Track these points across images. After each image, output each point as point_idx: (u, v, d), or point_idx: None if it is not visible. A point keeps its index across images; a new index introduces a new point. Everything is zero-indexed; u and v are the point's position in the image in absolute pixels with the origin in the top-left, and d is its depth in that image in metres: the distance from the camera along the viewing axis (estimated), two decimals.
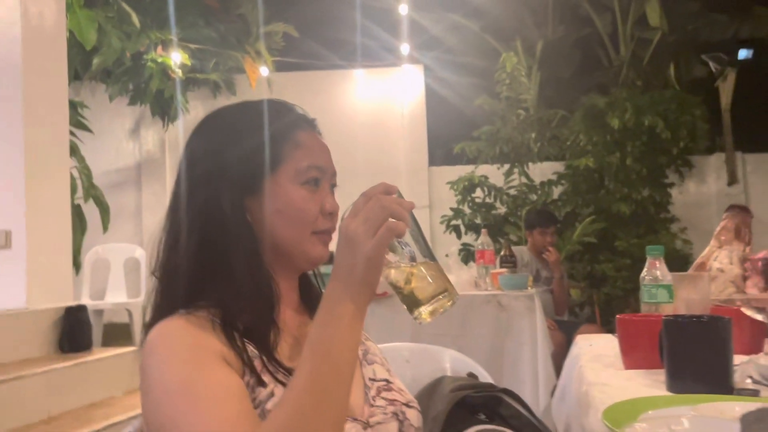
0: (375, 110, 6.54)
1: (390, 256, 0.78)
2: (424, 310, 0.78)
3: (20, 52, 3.27)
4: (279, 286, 0.90)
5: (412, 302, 0.78)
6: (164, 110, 5.52)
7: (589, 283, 5.31)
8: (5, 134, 3.28)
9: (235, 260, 0.87)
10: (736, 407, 0.65)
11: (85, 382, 3.04)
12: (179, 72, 5.28)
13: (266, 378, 0.82)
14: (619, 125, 5.32)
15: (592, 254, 5.35)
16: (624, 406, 0.80)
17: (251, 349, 0.83)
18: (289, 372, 0.84)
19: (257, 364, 0.83)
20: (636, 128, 5.35)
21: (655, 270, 1.32)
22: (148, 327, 0.85)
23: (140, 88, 5.41)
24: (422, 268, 0.79)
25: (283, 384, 0.82)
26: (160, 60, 5.21)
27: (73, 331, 3.28)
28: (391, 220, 0.76)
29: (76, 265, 4.28)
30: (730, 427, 0.54)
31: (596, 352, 1.31)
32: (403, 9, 5.62)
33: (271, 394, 0.81)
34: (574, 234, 5.20)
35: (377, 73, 6.57)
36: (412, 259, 0.79)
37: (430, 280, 0.78)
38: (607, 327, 4.46)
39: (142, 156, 6.43)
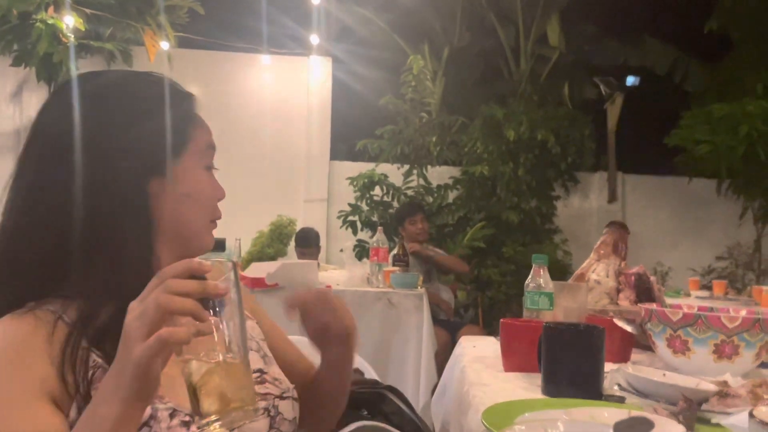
0: (280, 98, 6.44)
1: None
2: (217, 422, 0.64)
3: None
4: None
5: (204, 405, 0.65)
6: (51, 75, 5.16)
7: (475, 286, 5.49)
8: None
9: (123, 247, 0.79)
10: (605, 413, 0.69)
11: None
12: (71, 37, 4.96)
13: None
14: (514, 137, 5.54)
15: (480, 259, 5.54)
16: (502, 407, 0.83)
17: (94, 358, 0.75)
18: None
19: (98, 374, 0.74)
20: (529, 141, 5.59)
21: (539, 278, 1.38)
22: None
23: (26, 49, 5.03)
24: (219, 369, 0.65)
25: None
26: (50, 21, 4.87)
27: None
28: (179, 324, 0.62)
29: None
30: (602, 431, 0.57)
31: (479, 353, 1.35)
32: None
33: None
34: (465, 238, 5.37)
35: (284, 61, 6.47)
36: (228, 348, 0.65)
37: (227, 386, 0.65)
38: (489, 329, 4.64)
39: (23, 122, 5.99)
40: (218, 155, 0.92)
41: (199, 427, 0.64)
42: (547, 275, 1.39)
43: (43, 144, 0.82)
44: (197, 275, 0.65)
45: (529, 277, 1.40)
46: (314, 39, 6.16)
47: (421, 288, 3.31)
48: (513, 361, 1.17)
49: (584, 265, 1.61)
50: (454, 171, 6.08)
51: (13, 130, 6.00)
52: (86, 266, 0.78)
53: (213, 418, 0.64)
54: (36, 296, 0.77)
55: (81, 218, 0.79)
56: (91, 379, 0.74)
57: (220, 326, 0.65)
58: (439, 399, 1.48)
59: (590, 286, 1.54)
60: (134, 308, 0.64)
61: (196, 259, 0.65)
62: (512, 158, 5.69)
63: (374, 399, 1.36)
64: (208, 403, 0.64)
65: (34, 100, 5.95)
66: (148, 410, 0.74)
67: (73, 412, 0.73)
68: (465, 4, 6.81)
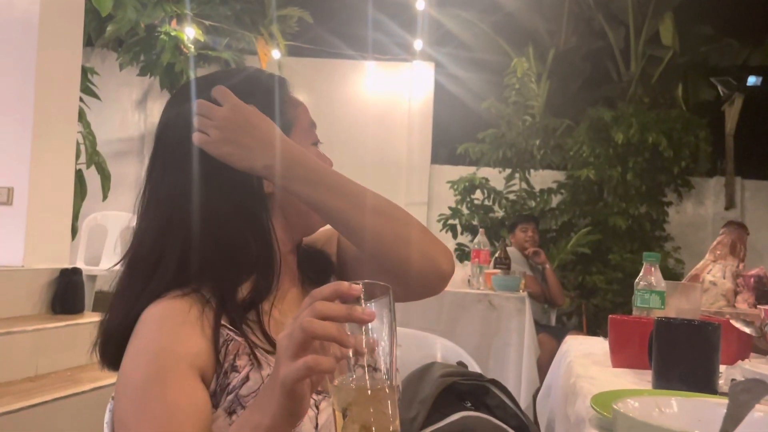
0: (383, 103, 6.56)
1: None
2: None
3: (38, 12, 3.28)
4: (282, 256, 0.89)
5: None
6: (173, 84, 5.52)
7: (579, 293, 5.35)
8: (17, 92, 3.29)
9: (249, 232, 0.86)
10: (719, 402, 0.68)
11: (74, 344, 3.06)
12: (191, 47, 5.29)
13: (242, 362, 0.80)
14: (623, 140, 5.35)
15: (585, 265, 5.39)
16: (611, 394, 0.83)
17: (230, 334, 0.81)
18: (271, 350, 0.82)
19: (240, 348, 0.81)
20: (639, 144, 5.38)
21: (649, 276, 1.35)
22: (129, 313, 0.82)
23: (151, 60, 5.42)
24: (368, 397, 0.64)
25: (259, 362, 0.80)
26: (173, 33, 5.21)
27: (66, 293, 3.30)
28: (328, 348, 0.64)
29: (74, 229, 4.29)
30: (717, 408, 0.57)
31: (586, 350, 1.34)
32: (419, 4, 5.64)
33: (246, 378, 0.79)
34: (569, 243, 5.24)
35: (388, 67, 6.59)
36: (370, 376, 0.64)
37: (373, 415, 0.63)
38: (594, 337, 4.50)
39: (147, 128, 6.44)
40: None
41: None
42: (659, 274, 1.36)
43: (164, 149, 0.90)
44: (347, 298, 0.65)
45: (640, 275, 1.37)
46: (418, 44, 6.23)
47: (523, 291, 3.28)
48: (622, 357, 1.15)
49: (699, 265, 1.56)
50: (558, 175, 5.96)
51: (139, 135, 6.45)
52: (217, 255, 0.85)
53: None
54: (177, 285, 0.84)
55: (207, 212, 0.85)
56: (227, 354, 0.80)
57: (373, 349, 0.64)
58: (544, 398, 1.48)
59: (705, 287, 1.48)
60: (288, 324, 0.66)
61: (346, 283, 0.65)
62: (620, 162, 5.50)
63: (478, 391, 1.38)
64: (350, 430, 0.63)
65: (157, 107, 6.38)
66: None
67: (213, 385, 0.79)
68: (572, 5, 6.67)
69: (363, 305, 0.65)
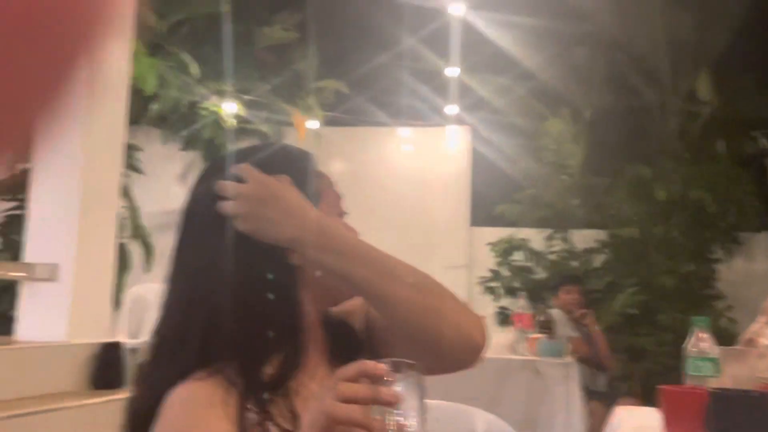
0: (419, 168, 6.60)
1: None
2: None
3: (84, 91, 3.43)
4: (308, 328, 0.87)
5: None
6: (215, 157, 5.67)
7: (628, 356, 5.15)
8: (63, 171, 3.41)
9: (276, 305, 0.84)
10: None
11: (114, 419, 3.05)
12: (233, 122, 5.46)
13: None
14: (665, 196, 5.25)
15: (633, 327, 5.20)
16: None
17: (257, 418, 0.78)
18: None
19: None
20: (682, 200, 5.27)
21: (701, 342, 1.28)
22: (156, 392, 0.80)
23: (193, 135, 5.60)
24: None
25: None
26: (213, 109, 5.40)
27: (107, 367, 3.31)
28: None
29: (117, 302, 4.36)
30: None
31: (637, 423, 1.26)
32: (452, 71, 5.73)
33: None
34: (615, 305, 5.09)
35: (423, 132, 6.66)
36: None
37: None
38: (647, 402, 4.30)
39: None
40: (360, 224, 0.97)
41: None
42: (711, 339, 1.29)
43: (191, 224, 0.90)
44: (374, 378, 0.62)
45: (690, 341, 1.30)
46: (451, 109, 6.31)
47: (569, 357, 3.17)
48: (676, 430, 1.08)
49: (753, 328, 1.47)
50: (600, 234, 5.84)
51: (181, 208, 6.60)
52: (243, 330, 0.83)
53: None
54: (202, 362, 0.81)
55: (233, 286, 0.84)
56: None
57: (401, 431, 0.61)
58: None
59: (762, 353, 1.40)
60: (311, 408, 0.64)
61: (371, 363, 0.63)
62: (664, 219, 5.38)
63: None
64: None
65: None
66: None
67: None
68: (606, 65, 6.69)
69: (389, 384, 0.62)
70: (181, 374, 0.81)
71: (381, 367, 0.63)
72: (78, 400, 2.94)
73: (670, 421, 1.10)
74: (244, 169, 0.88)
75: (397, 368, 0.63)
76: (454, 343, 0.84)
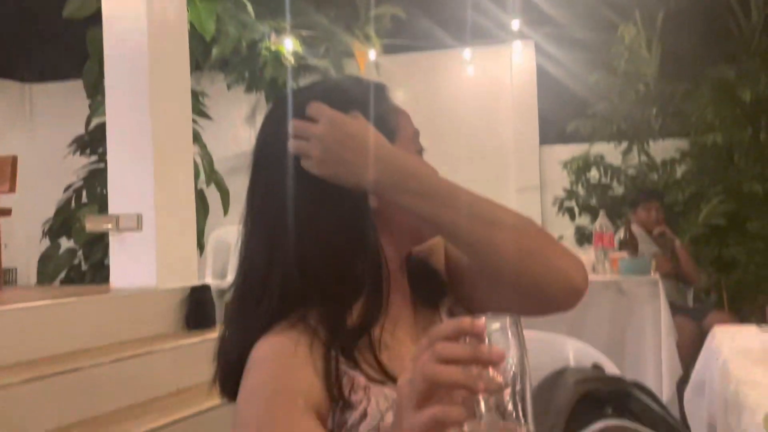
0: (484, 89, 6.42)
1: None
2: None
3: (146, 43, 3.45)
4: (390, 273, 0.83)
5: None
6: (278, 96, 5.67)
7: (716, 268, 4.97)
8: (135, 124, 3.49)
9: (357, 251, 0.81)
10: None
11: (210, 358, 3.21)
12: (291, 59, 5.41)
13: (357, 396, 0.76)
14: (751, 97, 4.91)
15: (720, 238, 5.00)
16: None
17: (343, 368, 0.77)
18: (386, 380, 0.78)
19: (354, 382, 0.77)
20: None
21: None
22: (242, 344, 0.80)
23: (255, 76, 5.60)
24: None
25: (375, 395, 0.76)
26: (273, 48, 5.35)
27: (198, 309, 3.47)
28: (448, 403, 0.58)
29: (200, 246, 4.52)
30: None
31: (740, 345, 1.20)
32: None
33: (364, 415, 0.75)
34: (700, 216, 4.88)
35: (486, 52, 6.43)
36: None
37: None
38: (738, 315, 4.17)
39: None
40: (426, 154, 0.92)
41: None
42: None
43: (264, 169, 0.86)
44: (473, 335, 0.59)
45: None
46: (515, 24, 6.03)
47: (654, 273, 3.08)
48: None
49: None
50: (681, 144, 5.56)
51: (250, 151, 6.70)
52: (324, 277, 0.81)
53: None
54: (284, 311, 0.81)
55: (312, 233, 0.81)
56: (341, 390, 0.76)
57: (503, 388, 0.58)
58: (695, 397, 1.35)
59: None
60: (408, 369, 0.61)
61: (468, 319, 0.59)
62: (751, 122, 5.05)
63: (619, 396, 1.28)
64: None
65: None
66: None
67: (329, 423, 0.76)
68: None
69: (488, 341, 0.59)
70: (265, 321, 0.80)
71: (479, 323, 0.59)
72: (173, 342, 3.10)
73: None
74: (316, 107, 0.83)
75: (494, 320, 0.59)
76: (552, 288, 0.80)
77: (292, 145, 0.82)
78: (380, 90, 0.91)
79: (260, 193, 0.86)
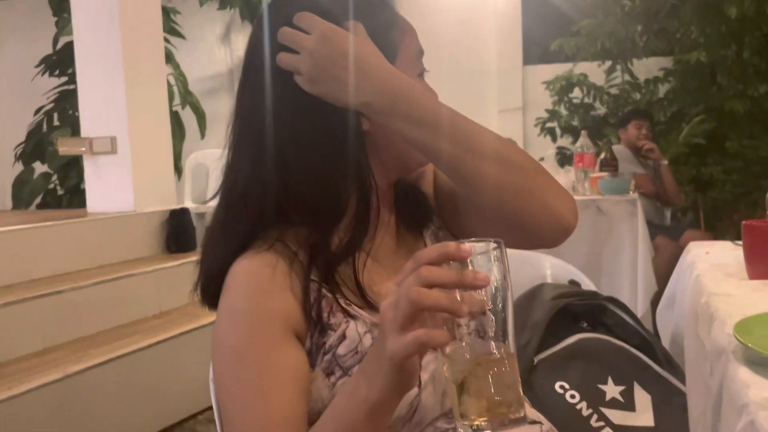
0: (466, 9, 6.23)
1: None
2: (474, 426, 0.58)
3: None
4: (378, 197, 0.81)
5: (465, 408, 0.59)
6: (253, 14, 5.47)
7: (694, 187, 5.02)
8: (104, 44, 3.36)
9: (344, 172, 0.78)
10: None
11: (191, 280, 3.22)
12: None
13: (336, 319, 0.76)
14: (736, 14, 4.82)
15: (700, 157, 5.02)
16: (756, 320, 0.73)
17: (322, 290, 0.76)
18: (366, 305, 0.77)
19: (333, 304, 0.76)
20: (756, 17, 4.83)
21: None
22: (222, 258, 0.79)
23: None
24: (485, 367, 0.58)
25: (354, 318, 0.76)
26: None
27: (178, 232, 3.46)
28: (439, 319, 0.58)
29: (178, 170, 4.45)
30: None
31: (714, 260, 1.21)
32: None
33: (342, 337, 0.75)
34: (681, 135, 4.89)
35: None
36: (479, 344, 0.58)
37: (493, 387, 0.58)
38: (714, 233, 4.24)
39: (234, 62, 6.47)
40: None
41: (461, 430, 0.59)
42: None
43: (253, 81, 0.82)
44: (457, 260, 0.58)
45: None
46: None
47: (633, 193, 3.09)
48: (760, 268, 1.03)
49: None
50: (665, 62, 5.50)
51: (227, 70, 6.51)
52: (309, 196, 0.78)
53: (477, 423, 0.58)
54: (265, 228, 0.79)
55: (299, 149, 0.78)
56: (320, 312, 0.76)
57: (487, 312, 0.58)
58: (667, 310, 1.38)
59: None
60: (391, 292, 0.60)
61: (453, 244, 0.59)
62: (735, 40, 4.98)
63: (594, 311, 1.30)
64: (469, 406, 0.59)
65: (241, 39, 6.38)
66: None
67: (307, 344, 0.75)
68: None
69: (472, 266, 0.58)
70: (245, 237, 0.79)
71: (465, 248, 0.58)
72: (154, 265, 3.10)
73: (754, 259, 1.05)
74: (307, 19, 0.77)
75: (479, 245, 0.59)
76: (542, 223, 0.78)
77: (281, 58, 0.77)
78: (384, 3, 0.84)
79: (248, 103, 0.82)
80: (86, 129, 3.45)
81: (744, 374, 0.64)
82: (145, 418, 2.52)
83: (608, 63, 5.27)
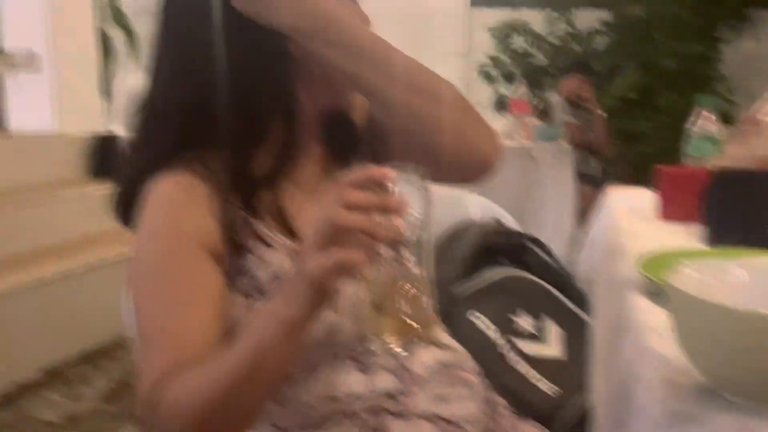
0: None
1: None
2: (387, 344, 0.62)
3: None
4: (302, 125, 0.80)
5: (376, 329, 0.62)
6: None
7: (623, 140, 5.17)
8: None
9: (270, 95, 0.77)
10: None
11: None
12: None
13: (256, 243, 0.76)
14: None
15: (631, 111, 5.16)
16: (659, 256, 0.77)
17: (242, 213, 0.76)
18: (286, 231, 0.77)
19: (253, 228, 0.76)
20: None
21: (705, 122, 1.23)
22: (139, 175, 0.78)
23: None
24: (400, 290, 0.60)
25: (274, 244, 0.76)
26: None
27: (105, 157, 3.33)
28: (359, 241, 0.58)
29: (109, 93, 4.25)
30: None
31: (632, 204, 1.26)
32: None
33: (261, 261, 0.75)
34: (615, 89, 4.99)
35: None
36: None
37: (406, 308, 0.61)
38: (639, 185, 4.40)
39: None
40: None
41: (374, 348, 0.64)
42: (715, 119, 1.24)
43: None
44: (380, 185, 0.59)
45: (692, 120, 1.25)
46: None
47: (564, 140, 3.17)
48: (671, 210, 1.08)
49: (755, 105, 1.42)
50: (604, 15, 5.55)
51: None
52: (232, 116, 0.77)
53: (389, 342, 0.61)
54: (184, 145, 0.78)
55: (222, 70, 0.76)
56: (239, 235, 0.75)
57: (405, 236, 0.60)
58: (587, 251, 1.43)
59: (762, 130, 1.36)
60: (314, 213, 0.61)
61: (377, 168, 0.60)
62: None
63: (515, 249, 1.34)
64: (383, 326, 0.61)
65: None
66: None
67: (225, 266, 0.75)
68: None
69: (394, 191, 0.59)
70: (163, 153, 0.77)
71: (387, 173, 0.59)
72: (78, 188, 2.99)
73: (666, 201, 1.10)
74: None
75: (402, 173, 0.60)
76: (457, 156, 0.78)
77: None
78: None
79: (174, 12, 0.80)
80: (6, 44, 3.25)
81: (643, 304, 0.68)
82: (65, 342, 2.48)
83: (549, 11, 5.29)
